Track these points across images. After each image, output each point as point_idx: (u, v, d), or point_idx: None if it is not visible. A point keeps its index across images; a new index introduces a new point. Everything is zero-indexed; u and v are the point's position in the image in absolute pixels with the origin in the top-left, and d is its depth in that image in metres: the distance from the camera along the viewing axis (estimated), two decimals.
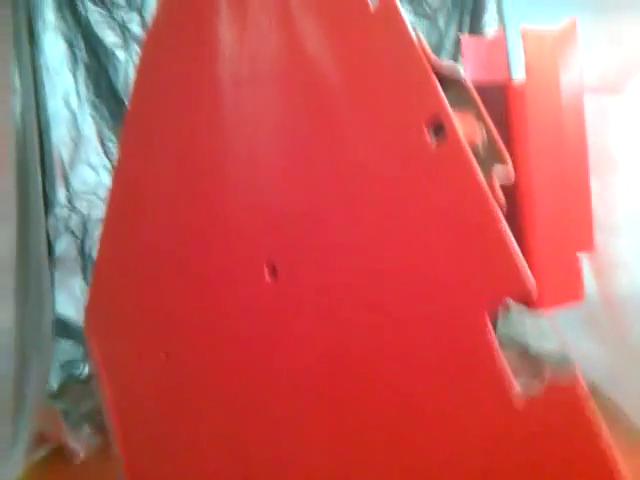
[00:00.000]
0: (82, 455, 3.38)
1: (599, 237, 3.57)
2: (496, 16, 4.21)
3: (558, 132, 3.12)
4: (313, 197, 1.64)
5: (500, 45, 3.09)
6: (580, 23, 3.51)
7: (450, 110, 1.38)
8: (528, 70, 3.01)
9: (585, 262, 3.77)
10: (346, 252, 1.57)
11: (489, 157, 1.54)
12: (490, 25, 4.21)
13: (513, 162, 3.28)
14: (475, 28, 4.21)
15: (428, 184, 1.42)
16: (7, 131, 3.04)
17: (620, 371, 3.69)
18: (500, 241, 1.33)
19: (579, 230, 3.27)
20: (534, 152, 3.11)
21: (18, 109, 3.24)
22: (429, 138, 1.39)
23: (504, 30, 3.37)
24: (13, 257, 2.98)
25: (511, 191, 3.27)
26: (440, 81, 1.43)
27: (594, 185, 3.54)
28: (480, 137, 1.56)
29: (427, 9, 4.42)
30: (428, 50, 1.43)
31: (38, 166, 3.69)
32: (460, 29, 4.39)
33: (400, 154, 1.45)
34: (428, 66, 1.42)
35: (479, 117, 1.61)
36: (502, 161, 1.57)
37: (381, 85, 1.50)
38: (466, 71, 3.36)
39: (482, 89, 3.37)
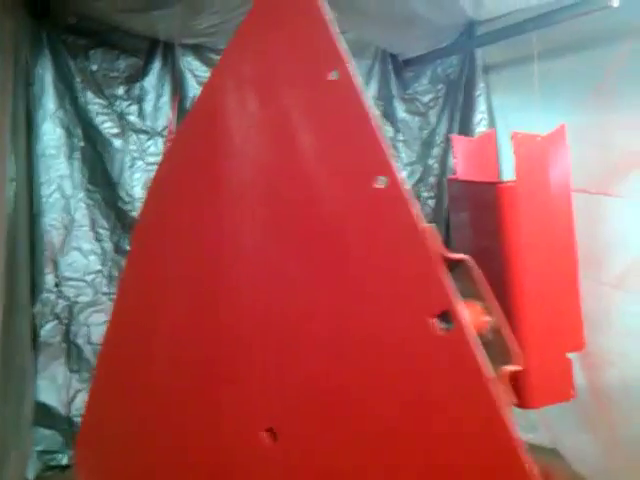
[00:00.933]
0: None
1: (588, 333, 3.60)
2: (486, 117, 4.35)
3: (548, 230, 3.17)
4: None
5: (489, 144, 3.19)
6: (570, 127, 3.66)
7: (459, 304, 1.40)
8: (518, 170, 3.10)
9: (575, 358, 3.78)
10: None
11: (499, 353, 1.55)
12: (481, 125, 4.33)
13: (505, 260, 3.30)
14: (465, 125, 4.33)
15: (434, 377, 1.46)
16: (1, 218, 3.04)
17: (612, 465, 3.62)
18: None
19: (569, 329, 3.27)
20: (525, 250, 3.16)
21: (12, 196, 3.25)
22: (436, 327, 1.41)
23: (493, 131, 3.48)
24: None
25: (503, 288, 3.30)
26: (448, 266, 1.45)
27: (584, 282, 3.59)
28: (487, 327, 1.58)
29: (420, 107, 4.57)
30: (438, 239, 1.45)
31: (27, 252, 3.67)
32: (451, 125, 4.53)
33: (405, 346, 1.49)
34: (437, 257, 1.43)
35: (488, 310, 1.64)
36: (512, 360, 1.60)
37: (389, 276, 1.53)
38: (456, 168, 3.45)
39: (474, 186, 3.44)
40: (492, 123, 4.34)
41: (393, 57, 4.56)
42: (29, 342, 3.68)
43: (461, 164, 3.45)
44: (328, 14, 1.68)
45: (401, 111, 4.50)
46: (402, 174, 1.55)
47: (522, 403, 3.50)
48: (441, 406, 1.43)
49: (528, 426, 4.21)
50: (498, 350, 1.57)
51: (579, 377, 3.69)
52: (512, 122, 4.22)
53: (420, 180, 4.52)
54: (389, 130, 4.48)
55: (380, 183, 1.45)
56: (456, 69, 4.55)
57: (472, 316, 1.48)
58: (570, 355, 3.32)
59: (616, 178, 3.28)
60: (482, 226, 3.33)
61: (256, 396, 1.74)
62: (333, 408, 1.58)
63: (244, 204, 1.85)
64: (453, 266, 1.44)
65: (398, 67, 4.57)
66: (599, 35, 3.69)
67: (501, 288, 3.17)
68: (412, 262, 1.44)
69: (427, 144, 4.54)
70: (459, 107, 4.48)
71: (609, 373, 3.44)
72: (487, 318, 1.61)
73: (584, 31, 3.71)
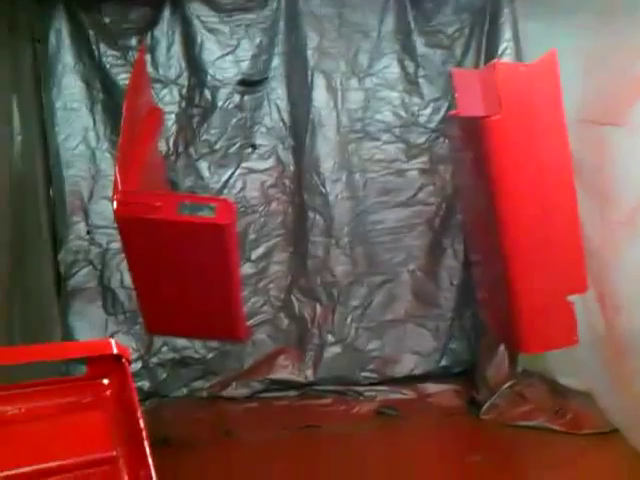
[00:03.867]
0: None
1: (598, 274, 3.40)
2: (512, 45, 4.09)
3: (539, 164, 2.99)
4: None
5: (492, 77, 3.01)
6: (581, 53, 3.39)
7: None
8: (503, 102, 2.93)
9: (592, 302, 3.59)
10: None
11: None
12: (506, 55, 4.07)
13: (494, 199, 3.18)
14: (491, 56, 4.07)
15: None
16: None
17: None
18: None
19: (569, 269, 3.12)
20: (514, 184, 3.00)
21: (19, 151, 3.41)
22: None
23: (496, 62, 3.29)
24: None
25: (496, 227, 3.18)
26: None
27: (591, 218, 3.38)
28: None
29: (443, 39, 4.35)
30: None
31: (46, 204, 3.87)
32: (478, 57, 4.30)
33: None
34: None
35: None
36: None
37: None
38: (458, 103, 3.29)
39: (465, 121, 3.29)
40: (518, 52, 4.07)
41: None
42: (52, 289, 3.91)
43: (462, 99, 3.30)
44: None
45: (421, 45, 4.28)
46: None
47: (520, 347, 3.41)
48: None
49: (566, 370, 4.10)
50: None
51: (599, 322, 3.56)
52: (541, 50, 3.97)
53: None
54: (409, 65, 4.32)
55: None
56: None
57: None
58: (575, 298, 3.18)
59: (626, 105, 3.02)
60: (476, 163, 3.20)
61: None
62: None
63: None
64: None
65: None
66: None
67: (494, 227, 3.06)
68: None
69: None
70: (485, 37, 4.24)
71: (619, 318, 3.26)
72: None
73: None
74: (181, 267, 2.81)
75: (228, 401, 4.30)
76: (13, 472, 1.54)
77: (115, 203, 2.61)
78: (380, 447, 3.83)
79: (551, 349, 3.42)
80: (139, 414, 1.70)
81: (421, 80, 4.33)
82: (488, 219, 3.07)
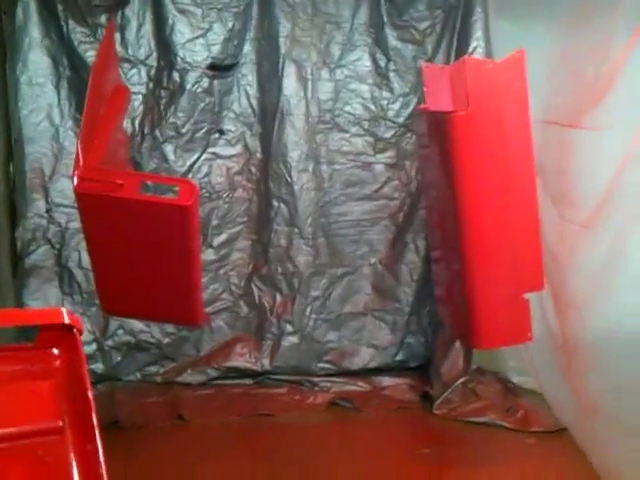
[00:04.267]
0: None
1: (555, 274, 3.46)
2: (482, 44, 4.13)
3: (502, 161, 3.03)
4: None
5: (462, 73, 3.03)
6: (548, 54, 3.43)
7: None
8: (470, 97, 2.95)
9: (547, 301, 3.65)
10: None
11: None
12: (476, 54, 4.11)
13: (456, 195, 3.21)
14: (462, 54, 4.11)
15: None
16: None
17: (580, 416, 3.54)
18: None
19: (527, 268, 3.16)
20: (476, 180, 3.03)
21: None
22: None
23: (467, 58, 3.31)
24: None
25: (457, 223, 3.21)
26: None
27: (552, 219, 3.44)
28: None
29: (415, 34, 4.37)
30: None
31: (5, 179, 3.80)
32: (449, 55, 4.33)
33: None
34: None
35: None
36: None
37: None
38: (427, 99, 3.31)
39: (432, 116, 3.31)
40: (489, 51, 4.12)
41: None
42: (8, 266, 3.84)
43: (431, 93, 3.31)
44: None
45: (393, 39, 4.30)
46: None
47: (474, 343, 3.46)
48: None
49: (519, 369, 4.17)
50: None
51: (553, 320, 3.62)
52: (510, 50, 4.01)
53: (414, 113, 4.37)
54: (381, 59, 4.33)
55: None
56: None
57: None
58: (530, 296, 3.23)
59: (588, 107, 3.07)
60: (441, 159, 3.23)
61: None
62: None
63: None
64: None
65: None
66: None
67: (455, 224, 3.09)
68: None
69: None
70: (456, 34, 4.27)
71: (573, 317, 3.32)
72: None
73: None
74: (141, 248, 2.78)
75: (182, 387, 4.26)
76: None
77: (75, 179, 2.56)
78: (333, 437, 3.85)
79: (505, 345, 3.49)
80: (88, 386, 1.68)
81: (391, 74, 4.35)
82: (449, 215, 3.10)
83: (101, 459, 1.66)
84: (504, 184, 2.92)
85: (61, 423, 1.69)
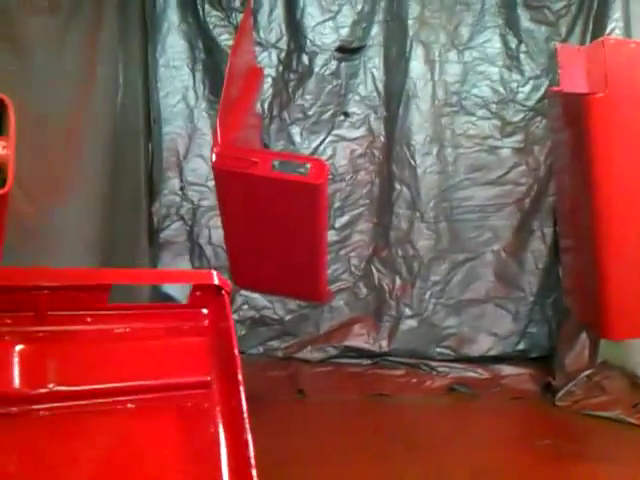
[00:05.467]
0: None
1: None
2: (621, 25, 3.93)
3: None
4: None
5: (600, 54, 2.91)
6: None
7: None
8: (610, 80, 2.82)
9: None
10: None
11: None
12: (614, 35, 3.91)
13: (591, 182, 3.08)
14: (598, 36, 3.93)
15: None
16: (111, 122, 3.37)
17: None
18: None
19: None
20: (614, 170, 2.90)
21: (119, 101, 3.55)
22: None
23: (605, 39, 3.18)
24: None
25: (589, 216, 3.08)
26: None
27: None
28: None
29: (549, 15, 4.22)
30: None
31: (145, 156, 4.02)
32: (584, 37, 4.15)
33: None
34: None
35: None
36: None
37: None
38: (562, 81, 3.19)
39: (567, 98, 3.18)
40: (628, 34, 3.91)
41: None
42: (145, 237, 4.06)
43: (566, 75, 3.19)
44: None
45: (525, 20, 4.19)
46: None
47: (605, 333, 3.32)
48: None
49: None
50: None
51: None
52: None
53: (545, 97, 4.23)
54: (511, 40, 4.23)
55: None
56: None
57: None
58: None
59: None
60: (576, 144, 3.10)
61: None
62: None
63: None
64: None
65: None
66: None
67: (589, 212, 2.98)
68: None
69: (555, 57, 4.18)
70: (593, 15, 4.09)
71: None
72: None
73: None
74: (271, 223, 2.88)
75: (302, 363, 4.38)
76: (118, 385, 1.64)
77: (214, 156, 2.68)
78: (449, 422, 3.83)
79: (638, 337, 3.33)
80: (235, 345, 1.77)
81: (522, 56, 4.24)
82: (583, 203, 2.99)
83: (245, 414, 1.74)
84: None
85: (209, 378, 1.79)
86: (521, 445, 3.49)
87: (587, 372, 4.08)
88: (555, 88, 3.39)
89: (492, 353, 4.39)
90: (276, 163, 2.76)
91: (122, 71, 3.59)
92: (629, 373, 4.09)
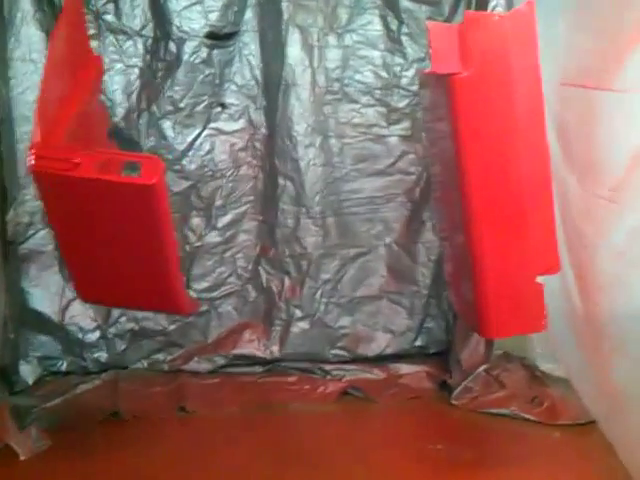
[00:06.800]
0: (22, 457, 3.32)
1: (584, 255, 3.12)
2: (503, 3, 3.77)
3: (509, 128, 2.68)
4: None
5: (471, 32, 2.71)
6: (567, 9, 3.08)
7: None
8: (472, 57, 2.63)
9: (571, 282, 3.32)
10: None
11: None
12: (498, 11, 3.75)
13: (458, 167, 2.90)
14: None
15: None
16: None
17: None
18: None
19: (540, 249, 2.83)
20: (480, 153, 2.71)
21: None
22: None
23: (476, 14, 3.00)
24: None
25: (459, 200, 2.89)
26: None
27: (579, 195, 3.10)
28: None
29: None
30: None
31: None
32: None
33: None
34: None
35: None
36: None
37: None
38: (433, 62, 2.97)
39: (433, 79, 2.97)
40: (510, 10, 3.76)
41: None
42: None
43: (437, 55, 2.99)
44: None
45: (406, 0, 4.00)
46: None
47: (482, 331, 3.16)
48: None
49: (548, 355, 3.85)
50: None
51: (578, 303, 3.31)
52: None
53: None
54: (392, 22, 4.00)
55: None
56: None
57: None
58: (544, 279, 2.90)
59: (614, 66, 2.72)
60: (444, 129, 2.91)
61: None
62: None
63: None
64: None
65: None
66: None
67: (459, 199, 2.79)
68: None
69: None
70: None
71: (597, 298, 2.98)
72: None
73: None
74: (107, 230, 2.57)
75: (190, 375, 4.07)
76: None
77: (31, 158, 2.36)
78: (339, 430, 3.61)
79: (516, 334, 3.17)
80: None
81: (404, 38, 4.01)
82: (454, 191, 2.79)
83: None
84: (512, 153, 2.60)
85: None
86: (412, 451, 3.28)
87: (483, 367, 3.91)
88: (426, 70, 3.19)
89: (389, 351, 4.18)
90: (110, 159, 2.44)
91: None
92: (529, 365, 3.96)
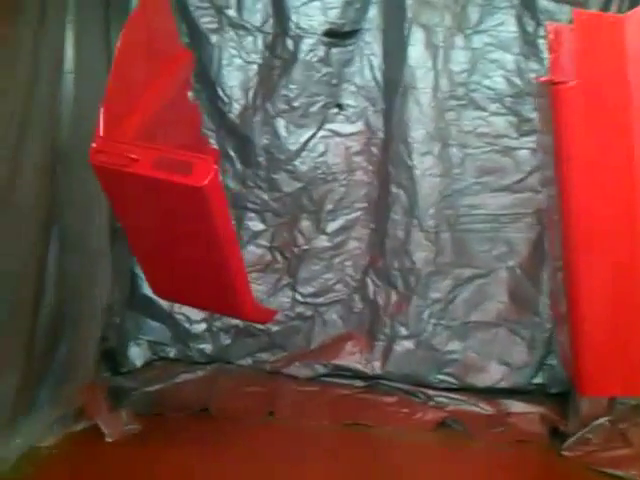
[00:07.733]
0: (109, 439, 3.38)
1: None
2: None
3: (625, 141, 2.25)
4: None
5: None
6: None
7: None
8: (577, 65, 2.23)
9: None
10: None
11: None
12: None
13: (561, 195, 2.48)
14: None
15: None
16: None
17: None
18: None
19: None
20: (587, 180, 2.30)
21: (71, 88, 3.27)
22: None
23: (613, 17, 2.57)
24: None
25: (561, 235, 2.48)
26: None
27: None
28: None
29: None
30: None
31: None
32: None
33: None
34: None
35: None
36: None
37: None
38: (552, 69, 2.61)
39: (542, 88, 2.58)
40: None
41: None
42: (106, 228, 3.74)
43: (557, 62, 2.60)
44: None
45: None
46: None
47: (578, 387, 2.70)
48: None
49: None
50: None
51: None
52: None
53: None
54: (529, 23, 3.62)
55: None
56: None
57: None
58: None
59: None
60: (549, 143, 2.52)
61: None
62: None
63: None
64: None
65: None
66: None
67: (560, 231, 2.40)
68: None
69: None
70: None
71: None
72: None
73: None
74: (166, 229, 2.50)
75: (288, 379, 3.95)
76: None
77: (91, 152, 2.34)
78: (437, 465, 3.32)
79: (615, 395, 2.70)
80: None
81: (541, 41, 3.62)
82: (556, 225, 2.41)
83: None
84: (624, 182, 2.18)
85: None
86: None
87: (606, 418, 3.43)
88: (542, 78, 2.80)
89: (503, 385, 3.81)
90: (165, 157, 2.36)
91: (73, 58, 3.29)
92: None
